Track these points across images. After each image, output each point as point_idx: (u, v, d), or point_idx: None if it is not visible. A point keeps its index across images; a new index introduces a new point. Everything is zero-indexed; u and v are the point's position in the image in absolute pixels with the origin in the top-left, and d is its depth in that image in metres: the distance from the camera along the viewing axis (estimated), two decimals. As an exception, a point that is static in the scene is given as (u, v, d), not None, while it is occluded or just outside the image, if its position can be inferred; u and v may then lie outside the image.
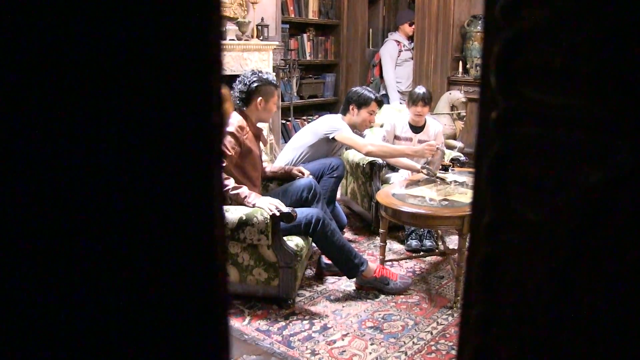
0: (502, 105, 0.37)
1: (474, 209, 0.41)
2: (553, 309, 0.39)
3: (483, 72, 0.38)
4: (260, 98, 3.21)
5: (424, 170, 3.68)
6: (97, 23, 0.38)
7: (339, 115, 4.00)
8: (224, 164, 2.96)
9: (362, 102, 3.88)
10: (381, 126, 4.71)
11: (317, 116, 6.53)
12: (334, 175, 3.78)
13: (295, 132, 6.35)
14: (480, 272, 0.41)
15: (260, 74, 3.30)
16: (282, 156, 4.02)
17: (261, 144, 3.45)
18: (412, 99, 4.14)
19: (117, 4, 0.38)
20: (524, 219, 0.38)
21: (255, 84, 3.21)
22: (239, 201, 2.96)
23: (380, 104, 3.98)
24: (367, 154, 3.82)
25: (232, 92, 3.29)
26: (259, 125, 3.37)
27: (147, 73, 0.39)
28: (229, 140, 3.01)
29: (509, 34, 0.36)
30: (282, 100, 5.89)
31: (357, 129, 3.96)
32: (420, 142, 4.20)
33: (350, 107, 3.92)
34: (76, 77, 0.38)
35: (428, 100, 4.12)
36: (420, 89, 4.15)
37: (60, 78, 0.38)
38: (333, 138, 3.81)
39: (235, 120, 3.11)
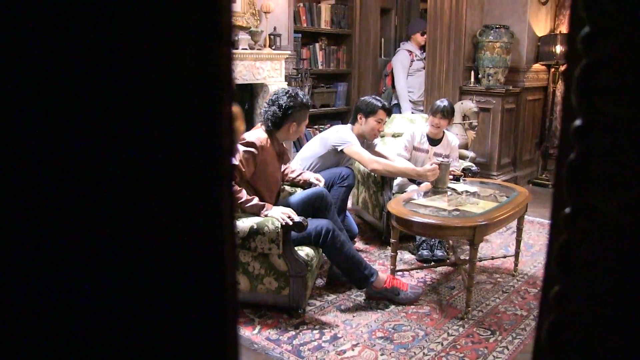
0: (581, 118, 0.45)
1: (554, 201, 0.49)
2: (622, 288, 0.46)
3: (565, 91, 0.47)
4: (293, 123, 3.20)
5: (436, 187, 3.68)
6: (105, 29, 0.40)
7: (349, 126, 4.02)
8: (236, 178, 2.96)
9: (369, 111, 3.89)
10: (393, 136, 4.71)
11: (328, 125, 6.54)
12: (344, 185, 3.79)
13: (307, 140, 6.38)
14: (559, 255, 0.49)
15: (295, 97, 3.21)
16: (293, 166, 4.04)
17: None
18: (432, 110, 4.14)
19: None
20: (598, 210, 0.46)
21: (291, 110, 3.17)
22: (253, 211, 2.97)
23: (388, 112, 3.98)
24: (372, 171, 3.83)
25: (261, 110, 3.26)
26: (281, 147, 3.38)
27: (155, 87, 0.41)
28: (245, 157, 3.01)
29: (587, 60, 0.44)
30: (294, 109, 5.90)
31: (366, 137, 3.97)
32: (436, 154, 4.19)
33: (358, 116, 3.95)
34: (84, 83, 0.40)
35: (447, 114, 4.10)
36: (443, 102, 4.14)
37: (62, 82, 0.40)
38: (342, 150, 3.82)
39: (257, 138, 3.09)
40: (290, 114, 3.17)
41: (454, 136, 4.41)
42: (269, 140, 3.16)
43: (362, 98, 4.10)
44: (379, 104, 3.91)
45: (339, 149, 3.83)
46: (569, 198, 0.47)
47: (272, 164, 3.20)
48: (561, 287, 0.49)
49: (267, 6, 5.00)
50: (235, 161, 2.97)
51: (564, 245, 0.48)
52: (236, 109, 0.46)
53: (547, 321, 0.50)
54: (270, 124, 3.18)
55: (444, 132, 4.23)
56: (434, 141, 4.22)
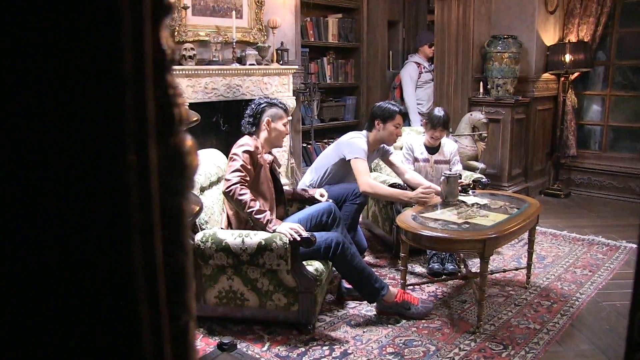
0: None
1: None
2: None
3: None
4: (267, 118, 3.27)
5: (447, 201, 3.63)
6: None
7: (364, 133, 3.99)
8: (246, 179, 3.03)
9: (387, 116, 3.87)
10: (401, 148, 4.69)
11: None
12: (357, 202, 3.76)
13: (317, 155, 6.37)
14: None
15: (266, 98, 3.41)
16: (307, 175, 4.06)
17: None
18: (432, 123, 4.13)
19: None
20: None
21: (262, 106, 3.30)
22: (260, 226, 2.97)
23: (404, 116, 3.98)
24: (363, 192, 3.77)
25: (242, 121, 3.32)
26: (271, 154, 3.42)
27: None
28: (245, 157, 3.06)
29: None
30: (303, 123, 5.91)
31: (385, 143, 3.96)
32: (436, 162, 4.20)
33: (376, 122, 3.91)
34: None
35: (447, 125, 4.16)
36: (440, 112, 4.14)
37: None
38: (349, 160, 3.81)
39: (250, 142, 3.16)
40: (261, 110, 3.29)
41: (450, 140, 4.43)
42: (256, 144, 3.20)
43: (378, 104, 4.07)
44: (396, 109, 3.91)
45: (346, 158, 3.82)
46: None
47: (265, 168, 3.26)
48: None
49: (274, 21, 5.02)
50: (240, 162, 3.02)
51: None
52: (190, 142, 0.44)
53: (639, 314, 0.56)
54: (249, 127, 3.30)
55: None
56: (431, 149, 4.26)
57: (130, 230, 0.39)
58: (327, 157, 4.03)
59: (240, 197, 2.94)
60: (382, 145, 4.03)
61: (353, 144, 3.87)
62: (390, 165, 4.11)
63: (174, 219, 0.40)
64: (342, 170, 3.91)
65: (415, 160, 4.25)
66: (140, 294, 0.40)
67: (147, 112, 0.39)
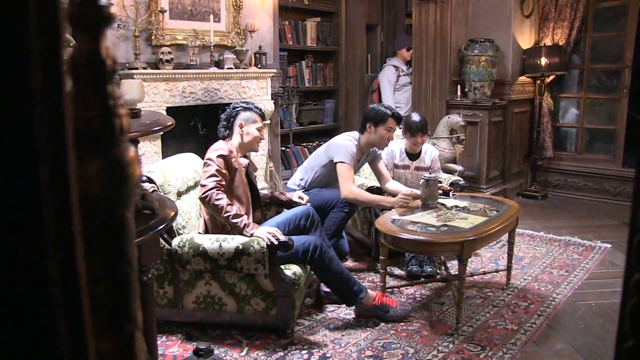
0: None
1: (634, 204, 0.57)
2: None
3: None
4: (240, 122, 3.27)
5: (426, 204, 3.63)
6: None
7: (355, 136, 3.95)
8: (222, 183, 3.02)
9: (378, 119, 3.82)
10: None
11: (316, 143, 6.54)
12: (345, 210, 3.76)
13: (296, 159, 6.37)
14: (638, 249, 0.55)
15: (243, 102, 3.42)
16: (298, 174, 4.05)
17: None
18: (411, 130, 4.08)
19: None
20: None
21: (236, 110, 3.30)
22: (237, 230, 2.95)
23: (398, 120, 3.90)
24: (344, 198, 3.76)
25: (219, 126, 3.31)
26: (247, 158, 3.41)
27: None
28: (219, 161, 3.05)
29: None
30: (282, 127, 5.91)
31: (376, 146, 3.94)
32: (417, 169, 4.19)
33: (367, 125, 3.87)
34: None
35: (426, 129, 4.11)
36: (416, 117, 4.10)
37: None
38: (336, 163, 3.80)
39: (224, 146, 3.16)
40: (235, 115, 3.30)
41: (431, 147, 4.43)
42: (230, 148, 3.19)
43: (371, 106, 4.02)
44: (389, 112, 3.84)
45: (334, 160, 3.81)
46: None
47: (241, 172, 3.24)
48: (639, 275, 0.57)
49: (252, 25, 5.01)
50: (214, 167, 3.02)
51: None
52: (132, 153, 0.43)
53: (628, 305, 0.57)
54: (223, 131, 3.30)
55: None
56: (412, 156, 4.24)
57: (44, 245, 0.37)
58: (318, 157, 4.02)
59: (216, 202, 2.92)
60: (372, 149, 4.00)
61: (343, 147, 3.84)
62: (377, 171, 4.07)
63: (115, 229, 0.39)
64: (332, 172, 3.88)
65: (395, 166, 4.25)
66: (57, 311, 0.38)
67: (65, 127, 0.37)
